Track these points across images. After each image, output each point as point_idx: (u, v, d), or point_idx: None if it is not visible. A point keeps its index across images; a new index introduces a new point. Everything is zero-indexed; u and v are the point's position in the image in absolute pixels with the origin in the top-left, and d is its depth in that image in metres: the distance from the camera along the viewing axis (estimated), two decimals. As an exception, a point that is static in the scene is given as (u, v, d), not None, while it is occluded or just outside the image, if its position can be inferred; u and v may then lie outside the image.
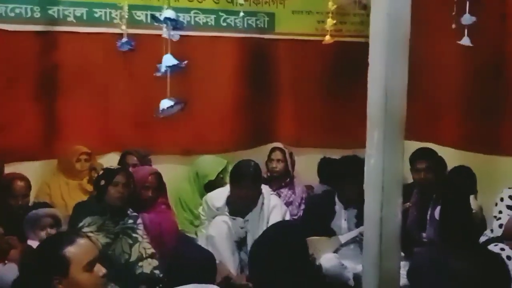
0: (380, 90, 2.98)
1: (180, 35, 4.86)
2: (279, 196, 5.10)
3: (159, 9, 4.26)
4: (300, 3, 5.47)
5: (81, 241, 2.43)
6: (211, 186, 4.80)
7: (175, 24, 2.81)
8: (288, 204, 5.10)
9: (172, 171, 4.99)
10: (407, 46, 3.00)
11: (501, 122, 4.66)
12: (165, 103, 2.83)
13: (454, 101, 5.01)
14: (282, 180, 5.17)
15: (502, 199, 4.23)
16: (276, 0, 5.46)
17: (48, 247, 2.44)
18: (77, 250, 2.37)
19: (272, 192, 4.50)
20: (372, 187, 3.05)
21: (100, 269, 2.43)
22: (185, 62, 2.68)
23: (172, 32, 4.10)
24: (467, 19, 2.68)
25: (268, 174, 5.16)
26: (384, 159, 2.99)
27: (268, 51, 5.47)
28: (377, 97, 2.99)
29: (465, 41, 2.70)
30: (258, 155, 5.31)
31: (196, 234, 4.47)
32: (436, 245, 1.87)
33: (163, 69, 2.74)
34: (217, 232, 4.12)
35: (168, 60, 2.75)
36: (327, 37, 4.41)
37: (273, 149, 5.22)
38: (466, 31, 2.66)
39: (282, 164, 5.17)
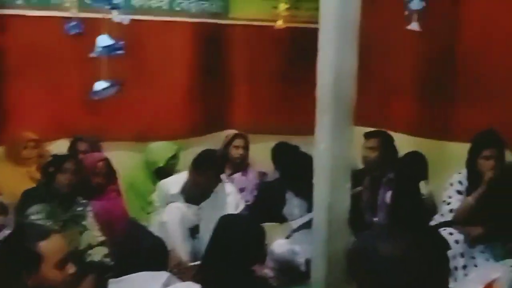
0: (329, 75, 3.00)
1: (133, 20, 4.83)
2: (232, 181, 5.10)
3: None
4: (254, -14, 5.43)
5: (55, 236, 2.35)
6: (163, 172, 4.77)
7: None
8: (241, 190, 5.09)
9: (124, 158, 4.93)
10: (357, 31, 3.02)
11: (452, 107, 4.70)
12: (100, 85, 2.75)
13: (406, 86, 5.04)
14: (239, 166, 5.16)
15: (451, 184, 4.28)
16: (230, -16, 5.41)
17: (19, 240, 2.34)
18: (50, 246, 2.29)
19: (226, 180, 4.48)
20: (321, 172, 3.07)
21: (70, 267, 2.36)
22: (122, 42, 2.60)
23: (123, 16, 4.05)
24: (416, 4, 2.70)
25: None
26: (333, 144, 3.01)
27: (222, 36, 5.42)
28: (327, 82, 3.01)
29: (414, 26, 2.71)
30: (212, 141, 5.29)
31: (148, 221, 4.42)
32: (373, 229, 1.88)
33: (98, 49, 2.66)
34: (170, 218, 4.09)
35: (103, 40, 2.67)
36: (279, 22, 4.40)
37: (236, 136, 5.19)
38: (415, 16, 2.67)
39: (244, 151, 5.16)
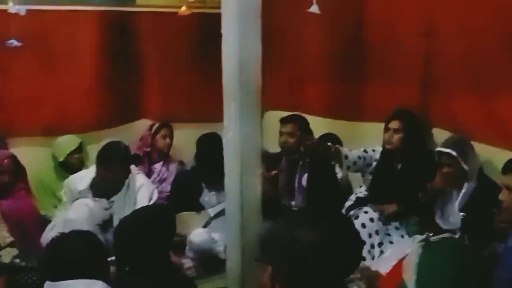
0: (234, 61, 2.96)
1: (36, 10, 4.65)
2: (153, 172, 5.02)
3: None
4: (161, -27, 5.32)
5: None
6: (70, 168, 4.64)
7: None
8: (162, 180, 5.04)
9: (33, 154, 4.76)
10: (259, 16, 2.99)
11: (362, 87, 4.78)
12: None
13: (316, 69, 5.08)
14: (165, 156, 5.10)
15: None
16: (137, -30, 5.28)
17: None
18: None
19: (138, 171, 4.40)
20: (231, 159, 3.05)
21: None
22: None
23: (18, 7, 3.89)
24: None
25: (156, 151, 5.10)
26: (241, 131, 2.99)
27: (131, 24, 5.29)
28: (232, 69, 2.98)
29: (314, 8, 2.72)
30: (126, 132, 5.18)
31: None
32: (286, 215, 1.87)
33: None
34: (77, 215, 3.96)
35: None
36: (183, 8, 4.32)
37: (162, 126, 5.10)
38: (314, -1, 2.69)
39: (170, 141, 5.09)
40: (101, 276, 2.46)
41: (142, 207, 3.73)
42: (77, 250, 2.47)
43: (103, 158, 4.06)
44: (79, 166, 4.68)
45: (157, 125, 5.12)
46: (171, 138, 5.12)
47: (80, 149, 4.77)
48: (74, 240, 2.55)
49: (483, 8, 3.76)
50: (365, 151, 4.24)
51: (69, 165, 4.70)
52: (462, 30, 3.93)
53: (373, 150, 4.25)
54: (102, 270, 2.52)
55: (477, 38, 3.84)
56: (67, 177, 4.37)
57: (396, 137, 4.12)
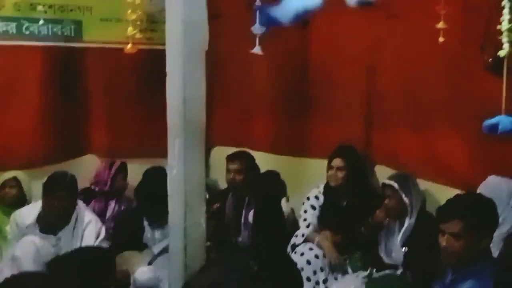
0: (178, 99, 2.97)
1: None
2: (107, 208, 4.95)
3: None
4: (108, 11, 5.31)
5: None
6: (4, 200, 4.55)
7: None
8: (113, 218, 4.97)
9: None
10: (204, 53, 3.02)
11: (306, 124, 4.86)
12: None
13: (261, 105, 5.15)
14: (117, 194, 5.04)
15: (308, 199, 4.41)
16: (83, 7, 5.26)
17: None
18: None
19: (86, 208, 4.34)
20: (175, 196, 3.04)
21: None
22: None
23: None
24: (257, 28, 2.76)
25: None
26: (185, 168, 2.99)
27: (76, 59, 5.25)
28: (176, 106, 2.99)
29: (257, 49, 2.76)
30: (72, 168, 5.08)
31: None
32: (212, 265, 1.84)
33: None
34: (24, 253, 3.87)
35: None
36: (129, 46, 4.33)
37: (123, 166, 5.04)
38: (257, 40, 2.74)
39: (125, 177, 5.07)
40: None
41: (76, 250, 3.64)
42: None
43: (48, 187, 4.03)
44: (14, 200, 4.58)
45: (118, 164, 5.05)
46: (126, 175, 5.08)
47: (16, 181, 4.67)
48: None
49: (422, 48, 3.90)
50: None
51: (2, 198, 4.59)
52: (402, 69, 4.06)
53: None
54: None
55: (416, 77, 3.97)
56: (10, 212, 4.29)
57: (340, 175, 4.19)
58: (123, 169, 5.06)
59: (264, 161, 4.92)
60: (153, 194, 4.06)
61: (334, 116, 4.61)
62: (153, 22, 5.43)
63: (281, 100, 4.98)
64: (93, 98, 5.36)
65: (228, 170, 4.55)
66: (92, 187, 4.99)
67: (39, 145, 5.10)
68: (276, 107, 5.03)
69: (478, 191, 3.39)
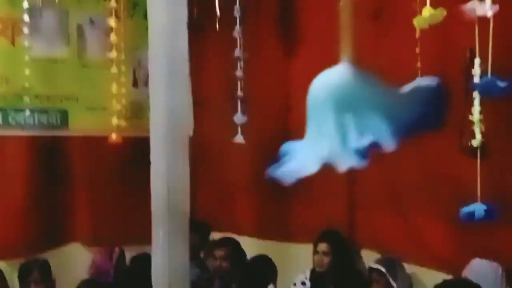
0: (162, 187, 2.99)
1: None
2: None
3: None
4: (94, 100, 5.39)
5: None
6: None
7: None
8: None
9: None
10: (187, 141, 3.07)
11: (290, 208, 4.87)
12: None
13: (245, 189, 5.17)
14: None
15: (295, 284, 4.38)
16: (69, 97, 5.34)
17: None
18: None
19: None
20: (159, 285, 3.00)
21: None
22: None
23: None
24: (239, 118, 2.84)
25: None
26: (169, 257, 2.97)
27: (62, 148, 5.29)
28: (160, 194, 3.00)
29: (239, 139, 2.82)
30: (56, 257, 5.05)
31: None
32: None
33: None
34: None
35: None
36: (114, 136, 4.39)
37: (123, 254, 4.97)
38: (239, 129, 2.80)
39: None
40: None
41: None
42: None
43: (21, 276, 4.10)
44: None
45: (118, 252, 4.99)
46: None
47: None
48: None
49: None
50: None
51: None
52: (382, 155, 4.11)
53: None
54: None
55: (393, 159, 4.02)
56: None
57: (326, 260, 4.18)
58: (123, 257, 4.98)
59: (250, 246, 4.90)
60: (138, 282, 4.01)
61: (318, 199, 4.62)
62: (138, 110, 5.52)
63: (264, 184, 4.99)
64: (77, 186, 5.35)
65: (214, 257, 4.52)
66: (94, 278, 4.85)
67: (21, 235, 5.05)
68: (259, 192, 5.05)
69: (463, 274, 3.39)
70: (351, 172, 4.37)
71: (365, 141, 2.25)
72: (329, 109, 2.26)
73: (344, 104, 2.25)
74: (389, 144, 2.24)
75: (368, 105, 2.25)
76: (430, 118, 2.53)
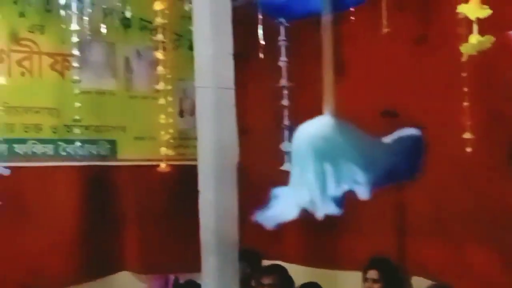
0: (211, 216, 3.02)
1: (17, 167, 4.74)
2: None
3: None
4: (142, 129, 5.50)
5: None
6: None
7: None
8: None
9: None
10: (235, 172, 3.10)
11: (339, 236, 4.84)
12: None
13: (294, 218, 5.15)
14: None
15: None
16: (117, 127, 5.46)
17: None
18: None
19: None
20: (210, 314, 3.02)
21: None
22: None
23: (1, 167, 4.00)
24: (287, 146, 2.86)
25: None
26: (219, 285, 2.99)
27: (111, 177, 5.40)
28: (209, 224, 3.03)
29: (287, 166, 2.83)
30: (106, 286, 5.12)
31: None
32: None
33: None
34: None
35: None
36: (162, 165, 4.45)
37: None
38: (285, 157, 2.82)
39: None
40: None
41: None
42: None
43: None
44: None
45: (172, 280, 5.05)
46: None
47: None
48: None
49: (449, 158, 3.93)
50: None
51: None
52: (430, 179, 4.07)
53: None
54: None
55: (444, 186, 3.98)
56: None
57: (376, 287, 4.13)
58: (177, 284, 5.03)
59: (300, 273, 4.88)
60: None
61: (367, 226, 4.59)
62: (185, 139, 5.60)
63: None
64: (126, 215, 5.44)
65: (262, 284, 4.52)
66: None
67: (71, 264, 5.15)
68: (308, 220, 5.03)
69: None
70: (400, 199, 4.40)
71: (341, 190, 2.31)
72: (310, 157, 2.35)
73: (324, 154, 2.34)
74: (363, 193, 2.30)
75: (347, 156, 2.33)
76: (407, 168, 2.60)
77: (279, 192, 2.62)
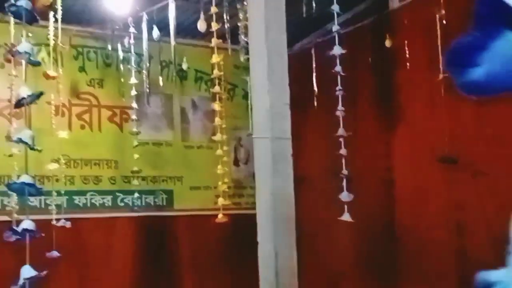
0: (271, 269, 2.99)
1: (77, 218, 4.81)
2: None
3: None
4: (197, 179, 5.54)
5: None
6: None
7: (34, 191, 2.57)
8: None
9: None
10: (293, 224, 3.07)
11: (397, 283, 4.72)
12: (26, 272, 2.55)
13: (350, 269, 5.07)
14: None
15: None
16: (174, 178, 5.51)
17: None
18: None
19: None
20: None
21: None
22: (45, 272, 2.47)
23: (63, 221, 4.08)
24: (345, 196, 2.82)
25: None
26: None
27: (168, 227, 5.43)
28: (269, 277, 3.00)
29: (346, 217, 2.80)
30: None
31: None
32: None
33: (21, 281, 2.51)
34: None
35: (27, 271, 2.51)
36: (220, 216, 4.44)
37: None
38: (346, 207, 2.77)
39: None
40: None
41: None
42: None
43: None
44: None
45: None
46: None
47: None
48: None
49: (510, 206, 3.79)
50: None
51: None
52: (491, 228, 3.95)
53: None
54: None
55: (506, 235, 3.83)
56: None
57: None
58: None
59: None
60: None
61: (425, 276, 4.46)
62: (240, 187, 5.62)
63: (369, 261, 4.90)
64: (183, 265, 5.44)
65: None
66: None
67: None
68: (364, 270, 4.95)
69: None
70: (458, 246, 4.26)
71: None
72: None
73: None
74: None
75: None
76: None
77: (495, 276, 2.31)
